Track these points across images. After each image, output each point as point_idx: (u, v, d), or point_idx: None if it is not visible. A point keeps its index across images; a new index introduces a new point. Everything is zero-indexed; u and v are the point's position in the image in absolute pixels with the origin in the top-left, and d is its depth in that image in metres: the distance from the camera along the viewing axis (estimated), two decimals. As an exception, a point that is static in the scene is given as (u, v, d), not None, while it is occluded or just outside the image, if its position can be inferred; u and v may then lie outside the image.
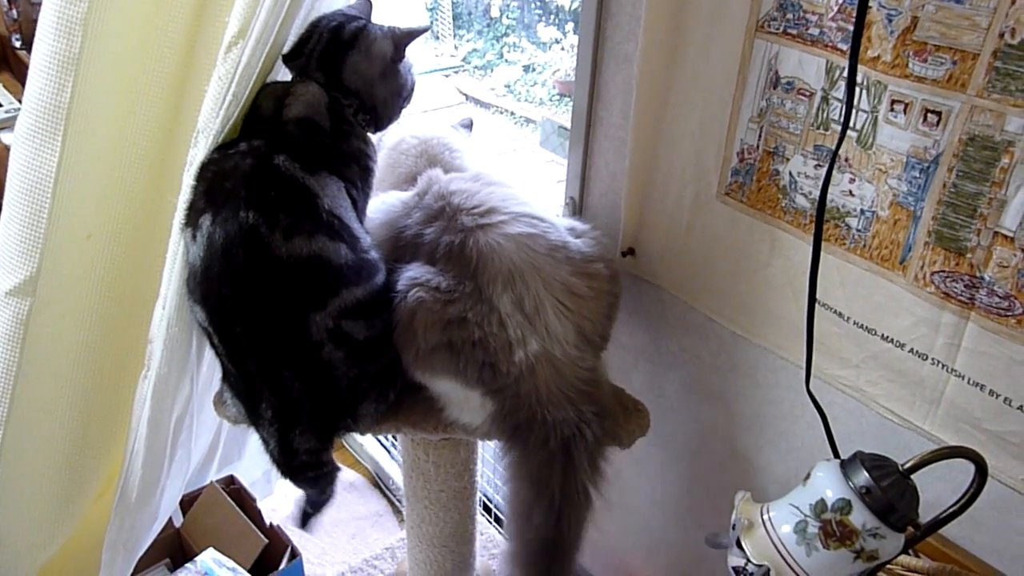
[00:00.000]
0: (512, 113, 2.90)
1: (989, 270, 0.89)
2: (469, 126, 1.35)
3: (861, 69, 0.92)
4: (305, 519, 1.27)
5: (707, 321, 1.27)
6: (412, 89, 1.17)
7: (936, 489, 0.89)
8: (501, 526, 1.93)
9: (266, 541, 1.76)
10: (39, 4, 1.01)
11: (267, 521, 1.84)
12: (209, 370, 1.27)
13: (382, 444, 2.27)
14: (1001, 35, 0.81)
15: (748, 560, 0.86)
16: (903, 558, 0.98)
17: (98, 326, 1.22)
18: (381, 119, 1.14)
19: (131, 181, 1.17)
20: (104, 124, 1.10)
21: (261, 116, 1.05)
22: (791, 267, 1.10)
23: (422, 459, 1.38)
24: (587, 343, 1.09)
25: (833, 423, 1.03)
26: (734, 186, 1.14)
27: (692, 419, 1.39)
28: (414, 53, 1.16)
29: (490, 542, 1.92)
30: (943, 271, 0.93)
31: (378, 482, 2.24)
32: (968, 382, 0.95)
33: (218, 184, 0.98)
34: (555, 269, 1.07)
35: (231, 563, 1.62)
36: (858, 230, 1.01)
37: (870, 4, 0.90)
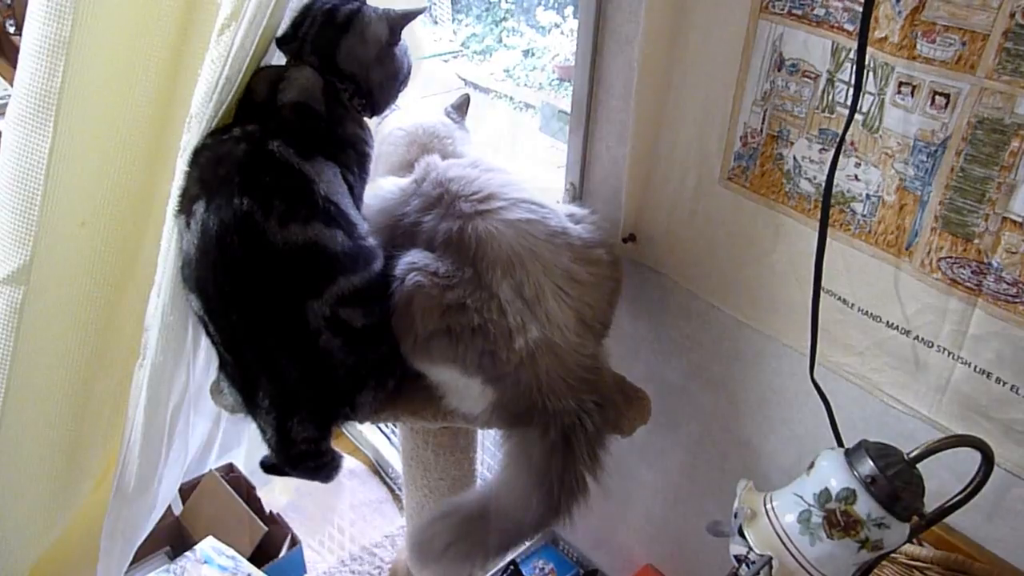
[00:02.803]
0: (511, 98, 2.88)
1: (997, 256, 0.88)
2: (462, 106, 1.33)
3: (868, 51, 0.90)
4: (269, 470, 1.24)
5: (709, 308, 1.26)
6: (408, 73, 1.15)
7: (941, 477, 0.87)
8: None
9: (266, 529, 1.76)
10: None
11: (267, 509, 1.84)
12: (206, 358, 1.25)
13: (382, 431, 2.26)
14: (1012, 15, 0.79)
15: (751, 549, 0.85)
16: (908, 547, 0.98)
17: (93, 315, 1.21)
18: (377, 103, 1.12)
19: (125, 168, 1.15)
20: (96, 109, 1.09)
21: (255, 101, 1.03)
22: (795, 253, 1.08)
23: (421, 447, 1.37)
24: (588, 330, 1.08)
25: (837, 411, 1.02)
26: (737, 171, 1.12)
27: (694, 407, 1.38)
28: (413, 36, 1.14)
29: (491, 529, 1.92)
30: (950, 257, 0.92)
31: (378, 469, 2.23)
32: (975, 370, 0.94)
33: (212, 170, 0.97)
34: (555, 255, 1.05)
35: (231, 551, 1.62)
36: (863, 215, 0.99)
37: (878, -17, 0.88)
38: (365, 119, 1.13)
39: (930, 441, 0.80)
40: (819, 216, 0.98)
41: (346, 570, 1.86)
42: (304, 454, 1.11)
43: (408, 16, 1.10)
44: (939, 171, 0.90)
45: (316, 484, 1.22)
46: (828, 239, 0.98)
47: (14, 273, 1.09)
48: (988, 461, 0.81)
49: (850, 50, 0.93)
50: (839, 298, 1.05)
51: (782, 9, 0.99)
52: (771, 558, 0.83)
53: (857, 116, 0.95)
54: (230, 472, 1.88)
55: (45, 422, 1.23)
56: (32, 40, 1.00)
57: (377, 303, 1.05)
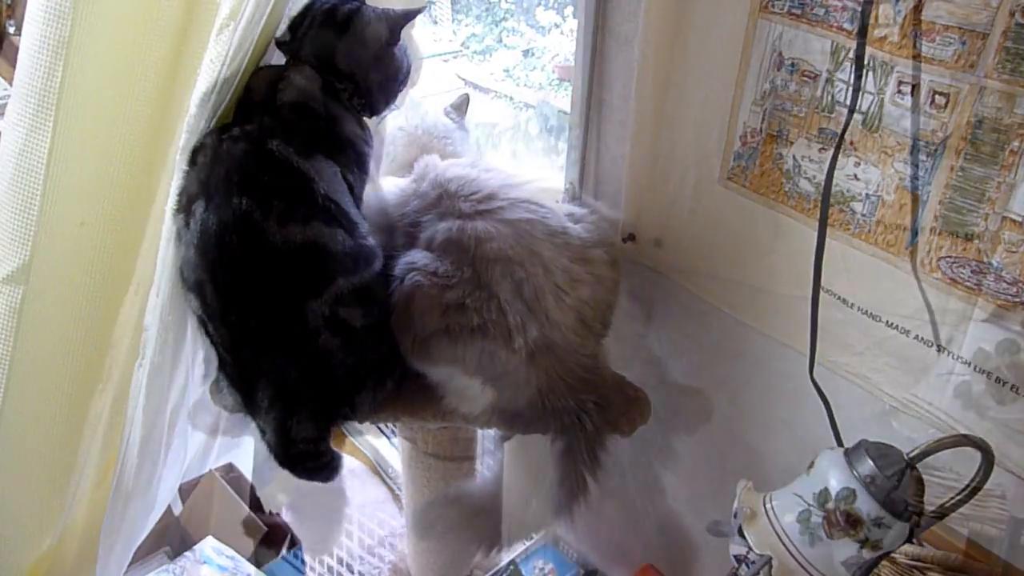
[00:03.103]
0: (511, 98, 2.88)
1: (997, 255, 0.88)
2: (462, 105, 1.33)
3: (868, 50, 0.90)
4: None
5: (710, 308, 1.26)
6: (408, 72, 1.15)
7: (941, 478, 0.87)
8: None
9: (265, 529, 1.76)
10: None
11: (267, 509, 1.83)
12: (206, 358, 1.25)
13: (382, 431, 2.26)
14: (1012, 14, 0.79)
15: (750, 549, 0.85)
16: (907, 547, 0.98)
17: (93, 314, 1.20)
18: (376, 103, 1.12)
19: (124, 167, 1.14)
20: (96, 109, 1.08)
21: (254, 100, 1.03)
22: (795, 253, 1.08)
23: (421, 447, 1.37)
24: (587, 330, 1.08)
25: (837, 411, 1.02)
26: (737, 170, 1.12)
27: (694, 407, 1.38)
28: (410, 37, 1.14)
29: (490, 529, 1.91)
30: (950, 256, 0.92)
31: (378, 469, 2.23)
32: (974, 369, 0.93)
33: (211, 169, 0.97)
34: (555, 255, 1.05)
35: (230, 551, 1.62)
36: (863, 215, 0.99)
37: (877, -17, 0.88)
38: (364, 119, 1.12)
39: (930, 441, 0.80)
40: (819, 215, 0.97)
41: (346, 570, 1.86)
42: (304, 454, 1.11)
43: (408, 16, 1.10)
44: (939, 170, 0.90)
45: (316, 484, 1.21)
46: (828, 239, 0.98)
47: (13, 273, 1.09)
48: (988, 461, 0.80)
49: (849, 49, 0.93)
50: (839, 298, 1.05)
51: (781, 8, 0.99)
52: (771, 558, 0.83)
53: (856, 115, 0.95)
54: (230, 472, 1.88)
55: (45, 422, 1.22)
56: (31, 40, 1.00)
57: (376, 303, 1.05)
